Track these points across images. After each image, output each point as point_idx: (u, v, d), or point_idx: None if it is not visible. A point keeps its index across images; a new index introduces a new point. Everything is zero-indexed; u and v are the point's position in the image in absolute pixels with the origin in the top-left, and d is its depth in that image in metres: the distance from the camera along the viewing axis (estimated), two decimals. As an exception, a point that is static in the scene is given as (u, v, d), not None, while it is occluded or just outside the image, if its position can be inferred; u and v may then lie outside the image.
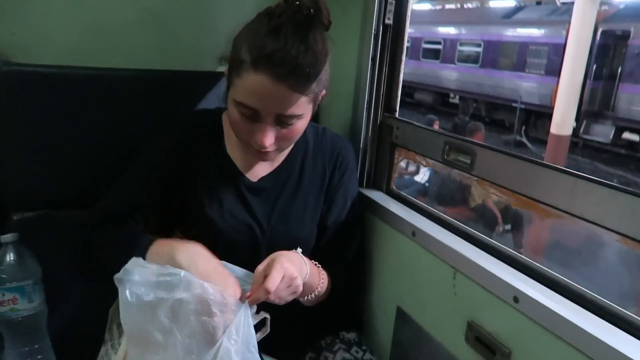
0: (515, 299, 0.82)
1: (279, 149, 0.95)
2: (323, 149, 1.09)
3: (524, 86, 10.64)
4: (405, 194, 1.23)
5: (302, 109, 0.88)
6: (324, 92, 0.94)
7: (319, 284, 0.98)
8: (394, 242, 1.14)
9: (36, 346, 0.99)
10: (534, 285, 0.83)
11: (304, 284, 0.91)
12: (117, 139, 1.17)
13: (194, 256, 0.80)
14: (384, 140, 1.27)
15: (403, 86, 1.29)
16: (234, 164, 1.02)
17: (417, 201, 1.18)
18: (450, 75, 12.84)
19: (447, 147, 1.07)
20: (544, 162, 0.83)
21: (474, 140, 1.05)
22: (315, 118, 1.04)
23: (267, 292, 0.79)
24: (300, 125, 0.92)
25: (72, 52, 1.15)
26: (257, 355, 0.77)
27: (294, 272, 0.85)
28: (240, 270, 0.84)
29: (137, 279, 0.73)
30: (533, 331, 0.79)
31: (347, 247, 1.12)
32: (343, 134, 1.18)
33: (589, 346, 0.71)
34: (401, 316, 1.12)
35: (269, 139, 0.88)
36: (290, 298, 0.87)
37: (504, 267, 0.89)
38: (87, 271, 0.93)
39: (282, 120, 0.88)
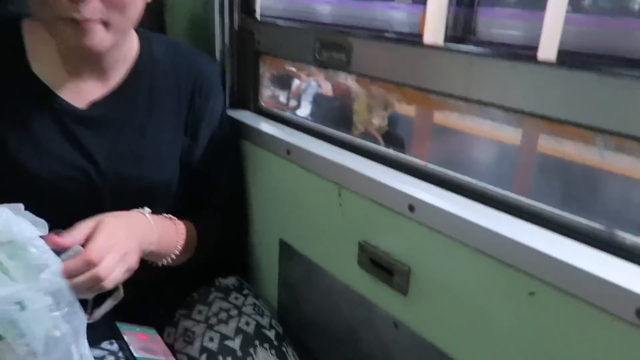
0: (411, 208, 0.69)
1: (108, 26, 0.68)
2: (177, 68, 0.85)
3: (395, 16, 10.86)
4: (277, 110, 1.05)
5: None
6: None
7: (176, 246, 0.80)
8: (267, 165, 0.96)
9: None
10: (430, 189, 0.72)
11: (152, 253, 0.75)
12: None
13: None
14: (246, 48, 1.06)
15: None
16: (45, 85, 0.75)
17: (292, 116, 1.01)
18: (323, 9, 12.67)
19: (318, 44, 0.89)
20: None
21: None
22: (159, 27, 0.81)
23: (90, 263, 0.59)
24: None
25: None
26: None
27: (129, 243, 0.68)
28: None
29: None
30: (433, 241, 0.68)
31: (222, 186, 0.93)
32: (193, 46, 0.95)
33: (495, 246, 0.61)
34: (285, 250, 0.97)
35: None
36: (124, 277, 0.67)
37: (394, 174, 0.76)
38: None
39: None
